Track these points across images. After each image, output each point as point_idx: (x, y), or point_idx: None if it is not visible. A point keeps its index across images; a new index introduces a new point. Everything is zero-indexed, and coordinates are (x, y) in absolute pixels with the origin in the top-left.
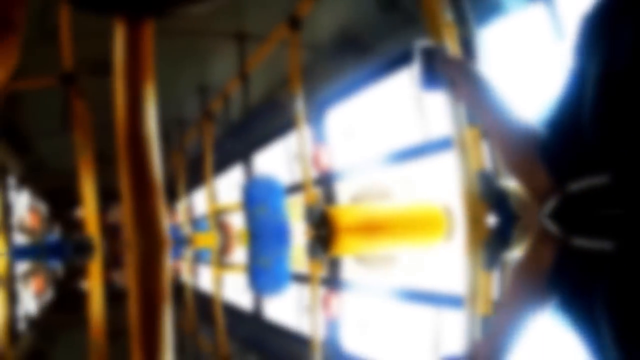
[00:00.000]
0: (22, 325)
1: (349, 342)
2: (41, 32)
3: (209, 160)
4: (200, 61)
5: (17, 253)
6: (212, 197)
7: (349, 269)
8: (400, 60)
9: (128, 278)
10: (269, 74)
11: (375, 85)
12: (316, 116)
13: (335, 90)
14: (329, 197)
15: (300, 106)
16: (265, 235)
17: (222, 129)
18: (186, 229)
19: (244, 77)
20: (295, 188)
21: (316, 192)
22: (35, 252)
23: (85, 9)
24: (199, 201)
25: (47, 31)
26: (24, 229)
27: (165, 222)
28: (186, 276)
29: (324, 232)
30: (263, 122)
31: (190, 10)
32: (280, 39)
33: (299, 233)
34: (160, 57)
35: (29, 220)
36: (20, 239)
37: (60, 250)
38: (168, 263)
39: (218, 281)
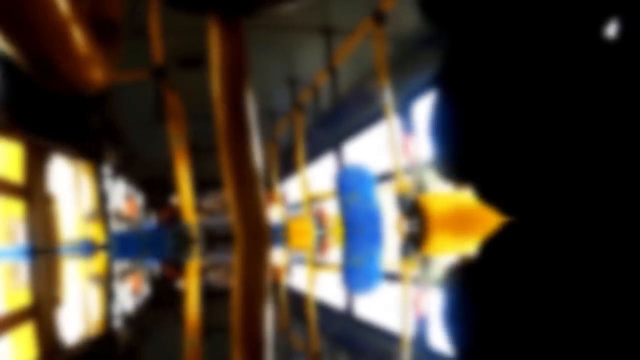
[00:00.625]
0: (118, 322)
1: (437, 340)
2: (132, 29)
3: (301, 149)
4: (289, 54)
5: (117, 239)
6: (306, 185)
7: (438, 268)
8: None
9: (234, 265)
10: (356, 66)
11: None
12: (404, 107)
13: (422, 82)
14: (419, 185)
15: (388, 98)
16: (358, 222)
17: (312, 120)
18: (281, 216)
19: (331, 69)
20: (386, 177)
21: (407, 181)
22: (133, 239)
23: (181, 9)
24: (292, 190)
25: (138, 27)
26: (120, 217)
27: (266, 210)
28: (281, 273)
29: (415, 221)
30: (352, 113)
31: (279, 9)
32: (365, 33)
33: (390, 221)
34: (250, 51)
35: (125, 209)
36: (117, 226)
37: (159, 236)
38: (269, 254)
39: (312, 280)
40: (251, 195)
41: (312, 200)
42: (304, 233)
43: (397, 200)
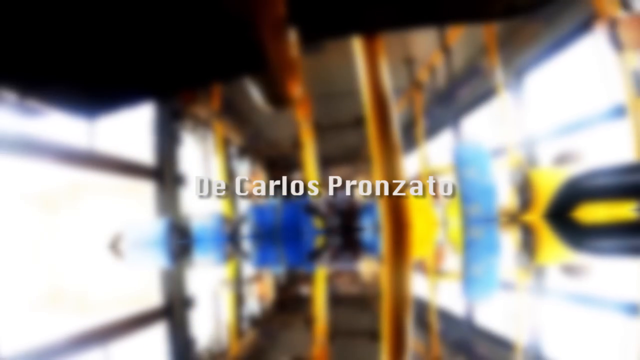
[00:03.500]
0: (245, 324)
1: (551, 349)
2: None
3: (421, 125)
4: (405, 35)
5: (255, 211)
6: (425, 160)
7: (552, 277)
8: (582, 28)
9: (385, 248)
10: (468, 44)
11: (567, 51)
12: (516, 82)
13: (532, 57)
14: (531, 160)
15: (499, 74)
16: (474, 196)
17: (430, 97)
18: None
19: (445, 48)
20: (499, 152)
21: (519, 156)
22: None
23: (322, 35)
24: (411, 166)
25: None
26: (246, 194)
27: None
28: None
29: (526, 195)
30: (467, 89)
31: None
32: None
33: (504, 195)
34: None
35: (250, 185)
36: (244, 203)
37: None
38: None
39: (434, 288)
40: (393, 164)
41: (431, 174)
42: (423, 209)
43: (511, 174)
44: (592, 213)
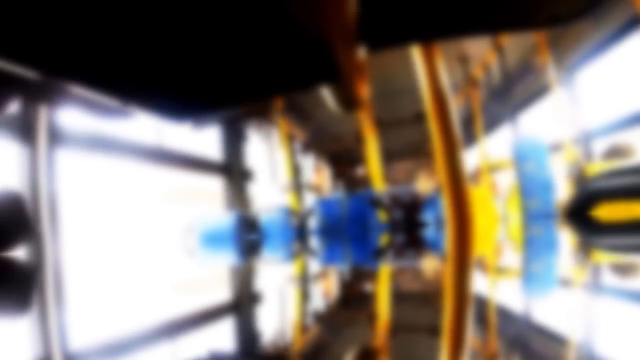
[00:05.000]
0: (310, 320)
1: (604, 346)
2: None
3: (479, 121)
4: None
5: (322, 204)
6: (484, 155)
7: (608, 275)
8: (629, 26)
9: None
10: (520, 42)
11: (616, 48)
12: (568, 78)
13: (582, 55)
14: (587, 155)
15: (551, 71)
16: (533, 190)
17: (486, 94)
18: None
19: (498, 47)
20: (555, 147)
21: (575, 150)
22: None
23: (382, 46)
24: (471, 161)
25: None
26: (311, 188)
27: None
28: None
29: (582, 191)
30: (522, 86)
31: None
32: None
33: (561, 189)
34: None
35: (315, 180)
36: (309, 196)
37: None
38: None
39: (493, 285)
40: (455, 161)
41: (491, 169)
42: (484, 205)
43: (567, 168)
44: (609, 212)
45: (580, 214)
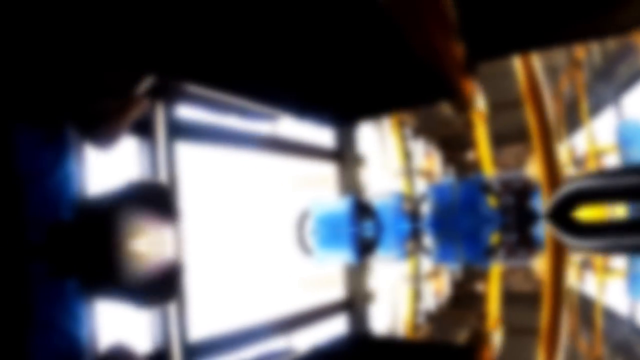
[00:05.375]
0: (421, 319)
1: None
2: None
3: (584, 103)
4: None
5: (435, 190)
6: (591, 139)
7: None
8: None
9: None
10: None
11: None
12: None
13: None
14: None
15: None
16: None
17: (589, 75)
18: (570, 170)
19: None
20: None
21: None
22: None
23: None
24: (578, 145)
25: None
26: (422, 173)
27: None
28: (571, 278)
29: None
30: (624, 67)
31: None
32: None
33: None
34: None
35: (425, 165)
36: (420, 182)
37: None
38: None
39: (601, 286)
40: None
41: (597, 154)
42: None
43: None
44: (588, 214)
45: (561, 215)
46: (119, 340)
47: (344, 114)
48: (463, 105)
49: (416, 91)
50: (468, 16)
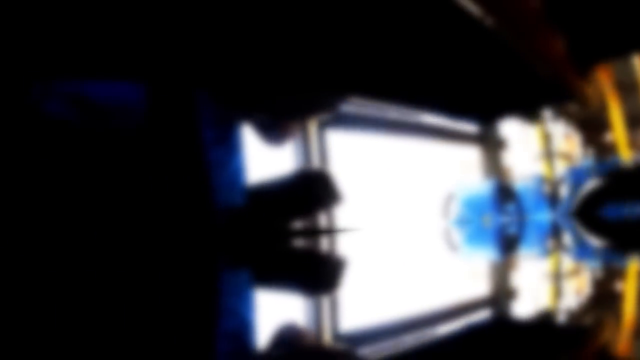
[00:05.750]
0: (561, 318)
1: None
2: None
3: None
4: None
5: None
6: None
7: None
8: None
9: None
10: None
11: None
12: None
13: None
14: None
15: None
16: None
17: None
18: None
19: None
20: None
21: None
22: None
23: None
24: None
25: None
26: (561, 155)
27: None
28: None
29: None
30: None
31: None
32: None
33: None
34: None
35: (565, 147)
36: (559, 164)
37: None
38: None
39: None
40: None
41: None
42: None
43: None
44: None
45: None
46: (290, 321)
47: (485, 114)
48: (585, 103)
49: (541, 96)
50: (587, 19)
